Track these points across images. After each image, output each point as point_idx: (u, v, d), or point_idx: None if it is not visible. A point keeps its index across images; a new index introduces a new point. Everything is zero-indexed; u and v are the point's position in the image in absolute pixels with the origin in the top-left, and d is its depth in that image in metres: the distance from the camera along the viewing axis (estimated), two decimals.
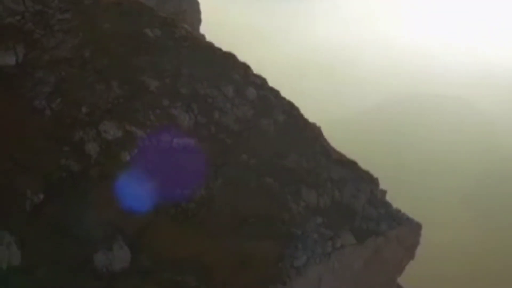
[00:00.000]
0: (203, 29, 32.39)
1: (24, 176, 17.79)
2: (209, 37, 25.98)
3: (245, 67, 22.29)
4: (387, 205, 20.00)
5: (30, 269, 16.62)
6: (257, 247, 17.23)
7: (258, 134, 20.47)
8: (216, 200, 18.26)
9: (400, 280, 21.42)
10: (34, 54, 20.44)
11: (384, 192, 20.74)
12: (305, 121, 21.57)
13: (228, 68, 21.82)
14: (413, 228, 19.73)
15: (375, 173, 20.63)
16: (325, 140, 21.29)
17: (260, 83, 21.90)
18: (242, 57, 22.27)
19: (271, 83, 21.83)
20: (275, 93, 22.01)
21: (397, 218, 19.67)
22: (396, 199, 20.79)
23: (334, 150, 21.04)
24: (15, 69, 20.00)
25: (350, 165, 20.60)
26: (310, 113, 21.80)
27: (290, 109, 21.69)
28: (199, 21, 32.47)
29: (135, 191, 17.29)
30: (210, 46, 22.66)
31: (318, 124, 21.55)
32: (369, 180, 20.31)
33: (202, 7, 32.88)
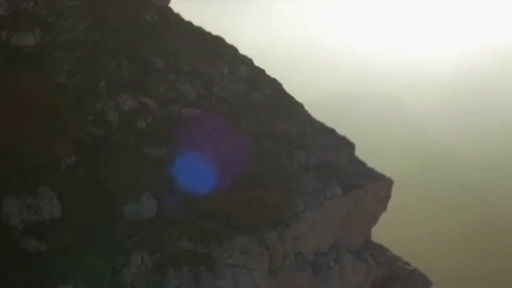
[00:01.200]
0: None
1: (58, 142, 20.34)
2: None
3: (234, 49, 25.33)
4: (363, 164, 23.37)
5: (69, 220, 19.20)
6: (264, 196, 20.29)
7: (251, 105, 23.51)
8: (223, 159, 21.22)
9: None
10: (49, 36, 22.93)
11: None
12: (288, 95, 24.73)
13: (220, 49, 24.80)
14: (386, 183, 23.13)
15: None
16: (306, 111, 24.51)
17: (248, 62, 24.97)
18: None
19: None
20: (261, 71, 25.10)
21: (372, 174, 23.04)
22: None
23: (315, 119, 24.28)
24: (35, 49, 22.46)
25: (330, 131, 23.89)
26: None
27: (275, 84, 24.82)
28: None
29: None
30: (201, 30, 25.57)
31: None
32: (347, 143, 23.63)
33: None
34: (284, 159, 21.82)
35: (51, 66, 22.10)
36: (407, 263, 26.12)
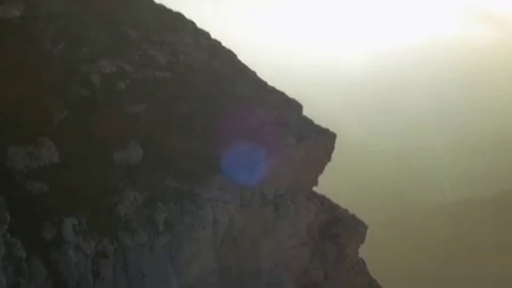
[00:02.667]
0: None
1: (50, 100, 23.13)
2: None
3: (193, 23, 28.62)
4: (311, 121, 27.10)
5: (66, 165, 22.06)
6: (231, 144, 23.69)
7: (212, 71, 26.87)
8: (194, 114, 24.52)
9: None
10: (32, 8, 25.58)
11: None
12: (243, 63, 28.20)
13: (182, 23, 28.04)
14: (330, 136, 26.92)
15: None
16: (259, 77, 28.06)
17: (206, 34, 28.31)
18: None
19: None
20: (218, 42, 28.50)
21: (319, 129, 26.78)
22: None
23: (267, 83, 27.85)
24: (20, 20, 25.09)
25: (281, 94, 27.51)
26: None
27: (231, 54, 28.25)
28: None
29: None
30: (164, 7, 28.72)
31: None
32: (296, 104, 27.30)
33: None
34: (246, 114, 25.26)
35: (37, 35, 24.78)
36: (346, 210, 30.02)
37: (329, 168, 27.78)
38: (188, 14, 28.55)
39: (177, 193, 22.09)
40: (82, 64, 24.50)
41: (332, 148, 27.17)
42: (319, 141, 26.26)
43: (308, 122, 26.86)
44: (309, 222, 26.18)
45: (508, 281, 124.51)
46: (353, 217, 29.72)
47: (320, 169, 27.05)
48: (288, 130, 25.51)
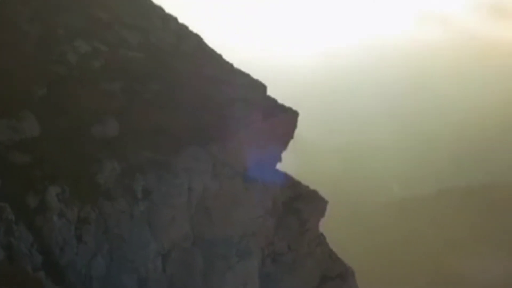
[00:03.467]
0: None
1: (29, 76, 24.25)
2: None
3: (161, 8, 29.97)
4: (275, 100, 28.67)
5: (47, 138, 23.21)
6: (203, 119, 25.15)
7: (181, 53, 28.26)
8: (165, 92, 25.89)
9: None
10: None
11: None
12: (209, 46, 29.66)
13: (151, 7, 29.38)
14: (294, 114, 28.54)
15: None
16: (225, 59, 29.54)
17: (174, 19, 29.69)
18: None
19: None
20: (186, 27, 29.91)
21: (283, 107, 28.36)
22: None
23: (233, 65, 29.34)
24: None
25: (247, 75, 29.05)
26: None
27: (198, 38, 29.68)
28: None
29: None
30: None
31: None
32: (261, 84, 28.86)
33: None
34: (213, 91, 26.73)
35: (14, 17, 25.85)
36: (307, 186, 31.69)
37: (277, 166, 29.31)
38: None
39: (154, 163, 23.41)
40: (58, 44, 25.65)
41: (295, 126, 28.78)
42: (283, 118, 27.85)
43: (272, 100, 28.42)
44: (274, 194, 27.73)
45: (453, 277, 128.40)
46: (314, 192, 31.38)
47: (284, 145, 28.62)
48: (254, 108, 27.03)
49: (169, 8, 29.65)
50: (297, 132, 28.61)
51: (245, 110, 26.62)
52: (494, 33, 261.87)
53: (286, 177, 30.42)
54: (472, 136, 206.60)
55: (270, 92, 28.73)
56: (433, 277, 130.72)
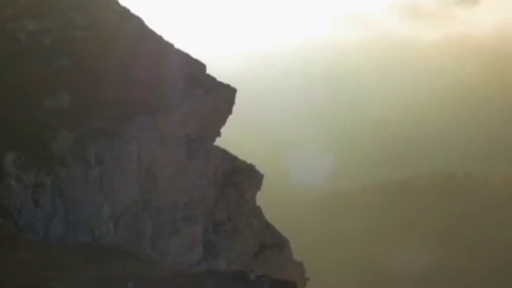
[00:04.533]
0: None
1: None
2: None
3: None
4: (214, 78, 30.44)
5: (4, 109, 24.44)
6: (149, 93, 26.74)
7: (125, 33, 29.75)
8: (112, 68, 27.38)
9: None
10: None
11: None
12: (150, 28, 31.22)
13: None
14: (232, 90, 30.37)
15: None
16: (165, 40, 31.15)
17: (116, 1, 31.12)
18: None
19: None
20: (128, 9, 31.39)
21: (222, 84, 30.15)
22: None
23: (172, 44, 30.97)
24: None
25: (186, 55, 30.71)
26: None
27: (140, 20, 31.19)
28: None
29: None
30: None
31: None
32: (200, 62, 30.57)
33: None
34: (158, 69, 28.34)
35: None
36: (245, 162, 33.65)
37: None
38: None
39: (105, 132, 24.89)
40: (7, 23, 26.83)
41: (233, 101, 30.64)
42: (222, 94, 29.68)
43: (211, 78, 30.21)
44: (215, 165, 29.54)
45: (380, 268, 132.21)
46: (251, 166, 33.35)
47: (223, 120, 30.45)
48: (196, 83, 28.79)
49: None
50: (223, 131, 30.74)
51: (188, 85, 28.32)
52: (410, 33, 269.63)
53: (224, 151, 32.30)
54: (393, 133, 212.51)
55: None
56: (361, 269, 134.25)
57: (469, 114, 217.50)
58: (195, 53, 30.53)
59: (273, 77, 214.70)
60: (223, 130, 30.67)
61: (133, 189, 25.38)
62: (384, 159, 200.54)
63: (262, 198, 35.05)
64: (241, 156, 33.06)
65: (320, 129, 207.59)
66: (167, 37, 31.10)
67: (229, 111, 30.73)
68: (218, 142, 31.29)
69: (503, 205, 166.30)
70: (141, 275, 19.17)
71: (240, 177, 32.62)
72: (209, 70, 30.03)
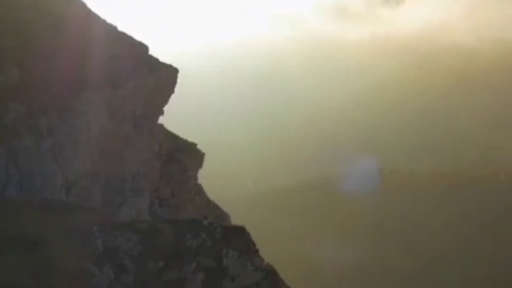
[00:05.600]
0: None
1: None
2: None
3: None
4: (156, 58, 31.89)
5: None
6: (95, 69, 28.00)
7: (68, 16, 30.89)
8: (58, 49, 28.52)
9: None
10: None
11: None
12: (94, 12, 32.43)
13: None
14: (174, 70, 31.86)
15: None
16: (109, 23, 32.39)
17: None
18: None
19: None
20: None
21: (165, 64, 31.62)
22: None
23: (116, 28, 32.24)
24: None
25: (130, 36, 32.07)
26: None
27: (84, 4, 32.37)
28: None
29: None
30: None
31: None
32: (143, 44, 31.95)
33: None
34: (103, 49, 29.62)
35: None
36: (186, 140, 35.14)
37: None
38: None
39: (55, 106, 26.07)
40: None
41: (175, 81, 32.14)
42: (165, 73, 31.17)
43: (154, 58, 31.66)
44: (160, 142, 30.98)
45: (303, 263, 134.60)
46: (192, 145, 34.89)
47: (166, 99, 31.93)
48: (140, 63, 30.20)
49: None
50: None
51: (132, 64, 29.73)
52: (338, 33, 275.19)
53: (166, 130, 33.75)
54: (323, 131, 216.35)
55: None
56: (291, 266, 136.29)
57: (395, 112, 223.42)
58: None
59: (202, 77, 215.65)
60: None
61: (84, 160, 26.60)
62: (315, 157, 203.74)
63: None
64: None
65: (249, 128, 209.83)
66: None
67: (171, 90, 32.20)
68: None
69: (429, 200, 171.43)
70: (102, 222, 20.49)
71: (183, 155, 34.07)
72: None
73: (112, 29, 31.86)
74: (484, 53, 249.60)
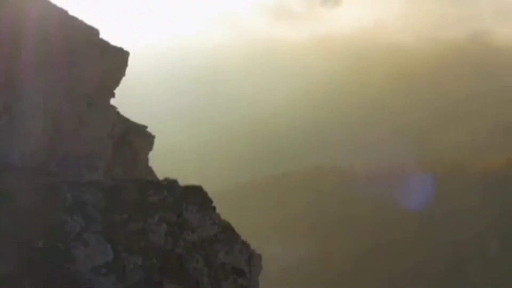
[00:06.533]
0: None
1: None
2: None
3: None
4: (108, 41, 32.84)
5: None
6: (50, 50, 28.85)
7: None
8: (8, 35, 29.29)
9: None
10: None
11: None
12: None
13: None
14: (125, 53, 32.85)
15: None
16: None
17: None
18: None
19: None
20: None
21: (116, 47, 32.61)
22: None
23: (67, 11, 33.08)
24: None
25: (79, 20, 32.94)
26: None
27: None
28: None
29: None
30: None
31: None
32: (93, 28, 32.86)
33: None
34: (55, 33, 30.46)
35: None
36: (136, 123, 36.16)
37: None
38: None
39: (11, 85, 26.88)
40: None
41: (126, 64, 33.18)
42: (116, 55, 32.19)
43: (106, 41, 32.63)
44: (112, 122, 31.98)
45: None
46: (143, 127, 35.92)
47: (117, 81, 32.93)
48: (93, 45, 31.16)
49: None
50: None
51: (85, 46, 30.67)
52: (277, 34, 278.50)
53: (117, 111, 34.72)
54: (264, 131, 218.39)
55: None
56: None
57: (334, 110, 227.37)
58: None
59: (145, 77, 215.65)
60: None
61: (40, 137, 27.44)
62: (256, 157, 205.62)
63: None
64: None
65: (188, 128, 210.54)
66: None
67: (122, 73, 33.19)
68: None
69: (369, 195, 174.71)
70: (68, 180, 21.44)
71: (134, 136, 35.05)
72: None
73: (63, 12, 32.69)
74: (420, 51, 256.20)
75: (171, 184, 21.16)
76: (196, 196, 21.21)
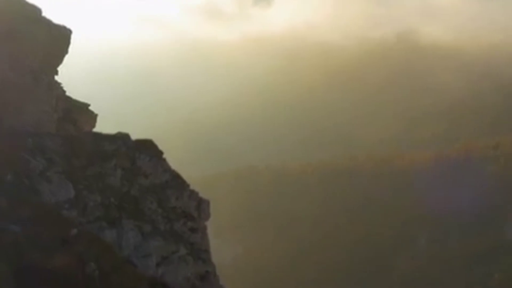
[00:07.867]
0: None
1: None
2: None
3: None
4: (51, 20, 33.53)
5: None
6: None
7: None
8: None
9: None
10: None
11: None
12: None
13: None
14: (68, 31, 33.61)
15: None
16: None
17: None
18: None
19: None
20: None
21: (58, 25, 33.36)
22: None
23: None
24: None
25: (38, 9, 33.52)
26: None
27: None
28: None
29: None
30: None
31: None
32: (36, 6, 33.50)
33: None
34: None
35: None
36: (79, 101, 36.92)
37: None
38: None
39: None
40: None
41: (69, 41, 33.97)
42: (60, 32, 33.05)
43: (48, 19, 33.40)
44: (57, 95, 32.71)
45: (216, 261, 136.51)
46: (84, 105, 36.71)
47: (61, 58, 33.70)
48: (36, 21, 31.93)
49: None
50: None
51: (28, 22, 31.39)
52: (209, 33, 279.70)
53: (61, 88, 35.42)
54: (197, 132, 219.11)
55: None
56: None
57: (266, 110, 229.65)
58: None
59: (77, 78, 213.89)
60: None
61: None
62: (188, 157, 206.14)
63: None
64: None
65: (128, 130, 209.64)
66: None
67: (66, 51, 33.97)
68: None
69: (301, 190, 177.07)
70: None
71: (77, 114, 35.77)
72: None
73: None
74: (349, 50, 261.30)
75: (124, 136, 22.10)
76: (147, 147, 22.29)
